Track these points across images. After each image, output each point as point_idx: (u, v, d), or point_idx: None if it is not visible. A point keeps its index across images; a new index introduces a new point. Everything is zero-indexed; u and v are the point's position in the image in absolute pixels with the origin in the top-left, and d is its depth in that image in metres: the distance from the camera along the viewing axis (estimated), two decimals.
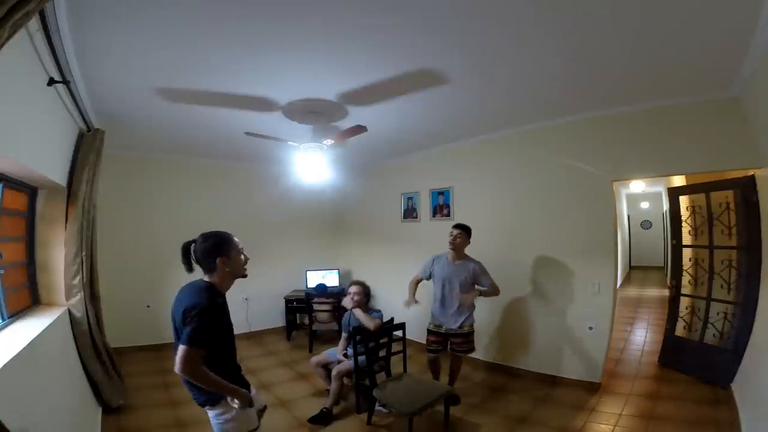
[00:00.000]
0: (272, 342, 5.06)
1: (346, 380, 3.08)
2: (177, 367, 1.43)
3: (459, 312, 3.09)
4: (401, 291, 3.32)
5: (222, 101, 2.82)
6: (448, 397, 2.74)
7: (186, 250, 1.60)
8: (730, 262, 3.28)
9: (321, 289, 5.11)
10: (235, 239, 1.67)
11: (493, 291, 3.10)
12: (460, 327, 3.08)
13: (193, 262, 1.60)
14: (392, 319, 3.14)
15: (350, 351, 3.16)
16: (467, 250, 3.22)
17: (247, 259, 1.71)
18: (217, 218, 5.09)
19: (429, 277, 3.24)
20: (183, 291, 1.61)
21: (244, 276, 1.70)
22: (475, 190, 4.24)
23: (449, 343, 3.15)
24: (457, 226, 3.17)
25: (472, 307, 3.16)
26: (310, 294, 4.85)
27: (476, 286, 3.11)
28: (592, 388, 3.27)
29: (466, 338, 3.13)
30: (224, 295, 1.65)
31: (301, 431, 2.80)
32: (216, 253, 1.57)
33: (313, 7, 1.72)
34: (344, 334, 3.29)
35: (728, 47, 2.06)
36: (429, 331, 3.20)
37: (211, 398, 1.56)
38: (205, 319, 1.45)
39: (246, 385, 1.70)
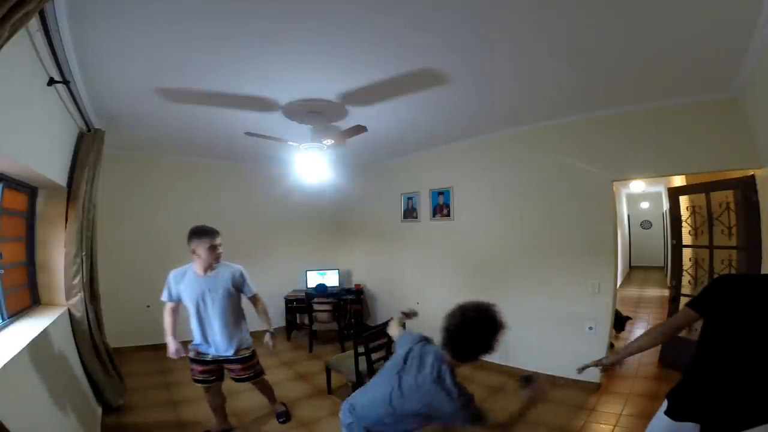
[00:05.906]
0: None
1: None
2: None
3: (226, 334, 2.42)
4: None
5: (222, 101, 2.82)
6: None
7: None
8: (730, 262, 3.28)
9: (321, 289, 5.10)
10: None
11: (260, 309, 2.60)
12: (236, 353, 2.46)
13: None
14: (392, 320, 3.14)
15: None
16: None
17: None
18: (217, 218, 5.06)
19: (178, 300, 2.48)
20: None
21: None
22: (475, 190, 4.23)
23: (225, 370, 2.54)
24: (215, 235, 2.42)
25: (242, 322, 2.56)
26: (310, 294, 4.84)
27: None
28: (592, 388, 3.27)
29: (245, 363, 2.51)
30: None
31: (301, 431, 2.81)
32: None
33: (313, 7, 1.72)
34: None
35: (728, 47, 2.06)
36: (191, 360, 2.48)
37: None
38: None
39: None
